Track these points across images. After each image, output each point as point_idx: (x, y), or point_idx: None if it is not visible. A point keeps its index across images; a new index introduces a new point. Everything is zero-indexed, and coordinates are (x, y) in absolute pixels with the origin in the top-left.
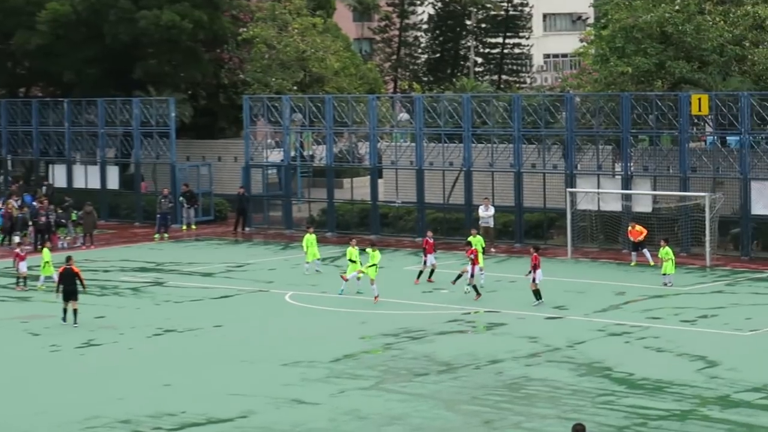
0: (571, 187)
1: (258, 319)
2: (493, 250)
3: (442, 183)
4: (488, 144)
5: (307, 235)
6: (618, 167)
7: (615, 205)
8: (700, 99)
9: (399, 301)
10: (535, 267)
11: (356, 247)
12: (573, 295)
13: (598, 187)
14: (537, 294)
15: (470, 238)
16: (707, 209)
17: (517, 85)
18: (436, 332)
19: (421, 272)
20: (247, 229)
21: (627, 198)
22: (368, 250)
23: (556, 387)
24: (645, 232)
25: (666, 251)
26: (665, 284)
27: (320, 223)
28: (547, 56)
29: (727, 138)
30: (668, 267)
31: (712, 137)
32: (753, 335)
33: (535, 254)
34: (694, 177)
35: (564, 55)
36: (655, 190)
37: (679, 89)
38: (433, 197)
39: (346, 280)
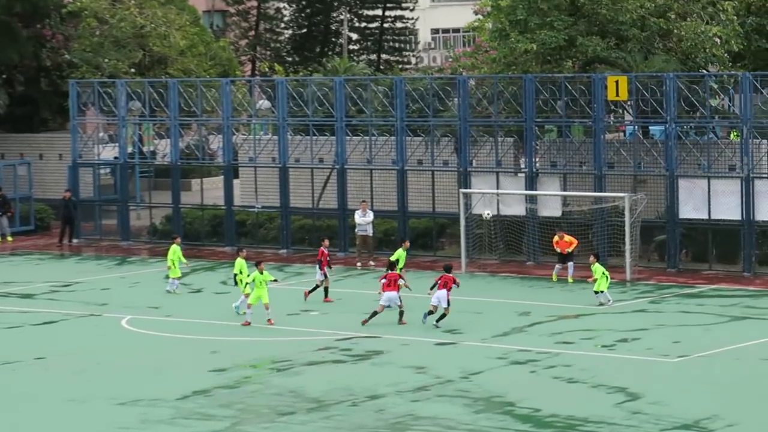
0: (465, 188)
1: (89, 349)
2: (372, 263)
3: (311, 184)
4: (366, 137)
5: (174, 246)
6: (521, 163)
7: (518, 209)
8: (617, 82)
9: (259, 326)
10: (444, 286)
11: (244, 260)
12: (468, 317)
13: (498, 188)
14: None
15: (399, 253)
16: (627, 212)
17: (400, 66)
18: (305, 362)
19: (316, 286)
20: (74, 240)
21: (532, 200)
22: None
23: (449, 426)
24: (575, 242)
25: (596, 267)
26: (601, 303)
27: (163, 233)
28: (435, 31)
29: (650, 128)
30: (602, 283)
31: (632, 127)
32: (681, 362)
33: (445, 274)
34: (611, 174)
35: (456, 30)
36: (565, 190)
37: (592, 70)
38: (301, 201)
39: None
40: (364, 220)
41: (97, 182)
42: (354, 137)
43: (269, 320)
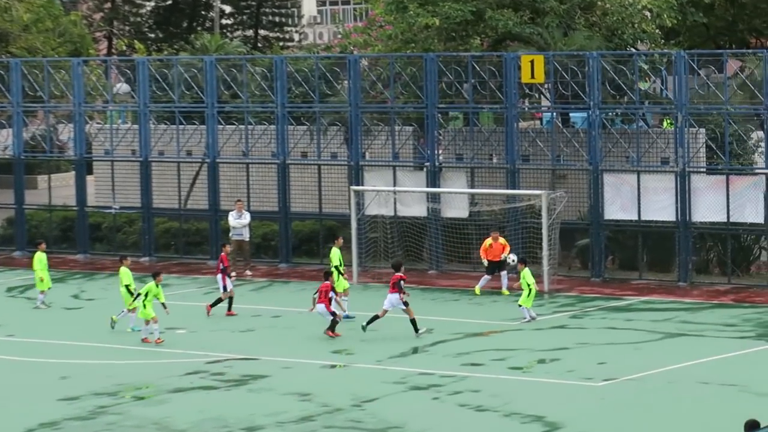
0: (357, 185)
1: None
2: (248, 272)
3: (178, 181)
4: (241, 125)
5: (39, 254)
6: (422, 156)
7: (418, 209)
8: (533, 62)
9: (116, 346)
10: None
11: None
12: (361, 334)
13: (395, 184)
14: (414, 324)
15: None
16: (544, 213)
17: (281, 44)
18: (170, 389)
19: (219, 300)
20: None
21: (434, 198)
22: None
23: None
24: (508, 247)
25: (525, 273)
26: (527, 319)
27: (4, 239)
28: (321, 3)
29: (571, 115)
30: (526, 297)
31: (549, 114)
32: (607, 386)
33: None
34: (526, 168)
35: (345, 3)
36: (472, 187)
37: (504, 49)
38: (165, 200)
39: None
40: (239, 222)
41: None
42: (228, 126)
43: (158, 339)
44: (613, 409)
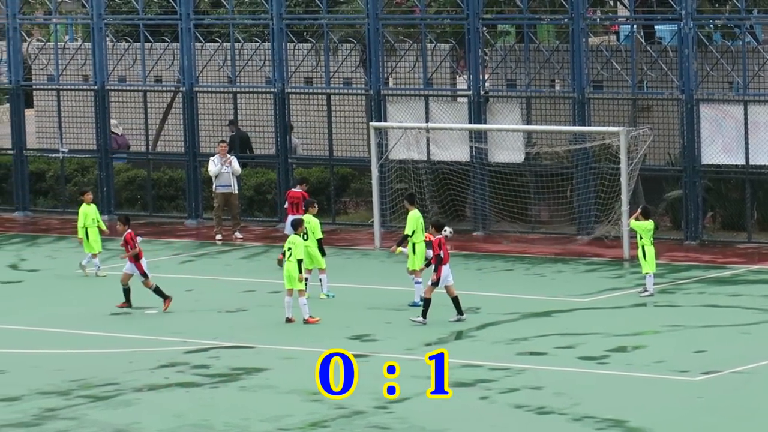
0: (379, 120)
1: None
2: (238, 234)
3: (144, 116)
4: (226, 43)
5: (85, 208)
6: (462, 81)
7: (458, 151)
8: None
9: (68, 331)
10: (438, 258)
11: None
12: (386, 315)
13: (427, 120)
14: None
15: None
16: (623, 156)
17: None
18: (138, 386)
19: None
20: None
21: (479, 138)
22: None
23: None
24: None
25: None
26: (648, 292)
27: None
28: None
29: (657, 28)
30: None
31: (629, 27)
32: (707, 381)
33: (439, 237)
34: (598, 98)
35: None
36: (529, 122)
37: None
38: (130, 141)
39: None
40: (225, 170)
41: None
42: (208, 44)
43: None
44: (713, 411)
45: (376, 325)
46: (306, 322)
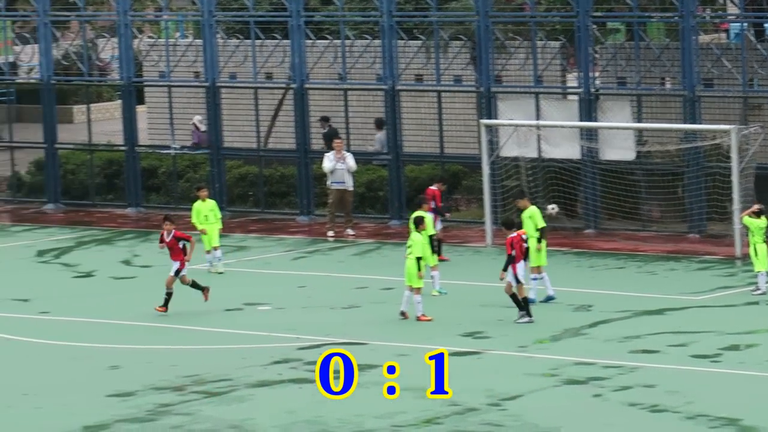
0: (489, 117)
1: None
2: (350, 231)
3: (255, 112)
4: (336, 41)
5: (198, 204)
6: (572, 79)
7: (569, 149)
8: None
9: (181, 327)
10: (511, 258)
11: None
12: (499, 312)
13: (538, 117)
14: (518, 301)
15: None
16: (734, 154)
17: None
18: (251, 382)
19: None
20: None
21: (590, 135)
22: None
23: None
24: None
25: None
26: (761, 290)
27: (33, 188)
28: None
29: (766, 26)
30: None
31: (739, 24)
32: None
33: (511, 236)
34: (709, 96)
35: None
36: (639, 120)
37: None
38: (240, 138)
39: None
40: (339, 166)
41: None
42: (318, 42)
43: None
44: None
45: (488, 323)
46: (418, 320)
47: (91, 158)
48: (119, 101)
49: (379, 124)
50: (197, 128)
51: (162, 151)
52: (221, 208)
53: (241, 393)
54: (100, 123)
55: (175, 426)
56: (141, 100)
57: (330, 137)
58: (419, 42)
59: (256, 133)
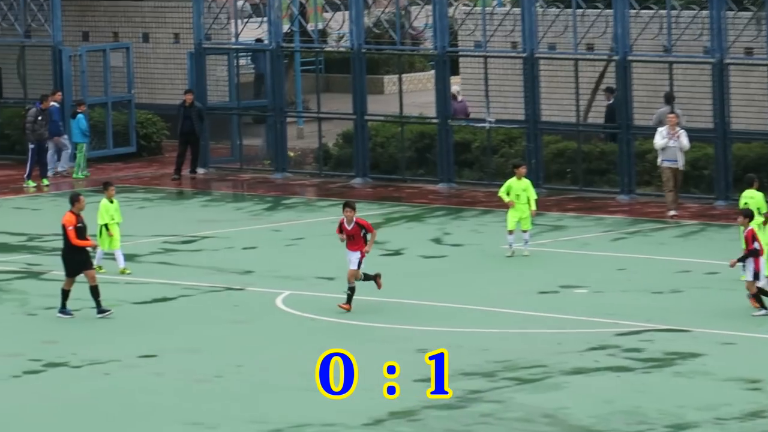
0: None
1: (223, 342)
2: (672, 213)
3: (575, 85)
4: (662, 11)
5: (514, 180)
6: None
7: None
8: None
9: (496, 310)
10: (752, 252)
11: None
12: None
13: None
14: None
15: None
16: None
17: None
18: (566, 369)
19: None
20: (200, 171)
21: None
22: None
23: None
24: None
25: None
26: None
27: (340, 160)
28: None
29: None
30: None
31: None
32: None
33: (751, 227)
34: None
35: None
36: None
37: None
38: (558, 112)
39: None
40: (672, 143)
41: (235, 80)
42: (643, 12)
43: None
44: None
45: None
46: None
47: (401, 131)
48: (432, 72)
49: (668, 98)
50: (455, 98)
51: (476, 125)
52: (536, 185)
53: (555, 380)
54: (411, 94)
55: (485, 414)
56: (456, 71)
57: (612, 111)
58: (750, 13)
59: (575, 106)
